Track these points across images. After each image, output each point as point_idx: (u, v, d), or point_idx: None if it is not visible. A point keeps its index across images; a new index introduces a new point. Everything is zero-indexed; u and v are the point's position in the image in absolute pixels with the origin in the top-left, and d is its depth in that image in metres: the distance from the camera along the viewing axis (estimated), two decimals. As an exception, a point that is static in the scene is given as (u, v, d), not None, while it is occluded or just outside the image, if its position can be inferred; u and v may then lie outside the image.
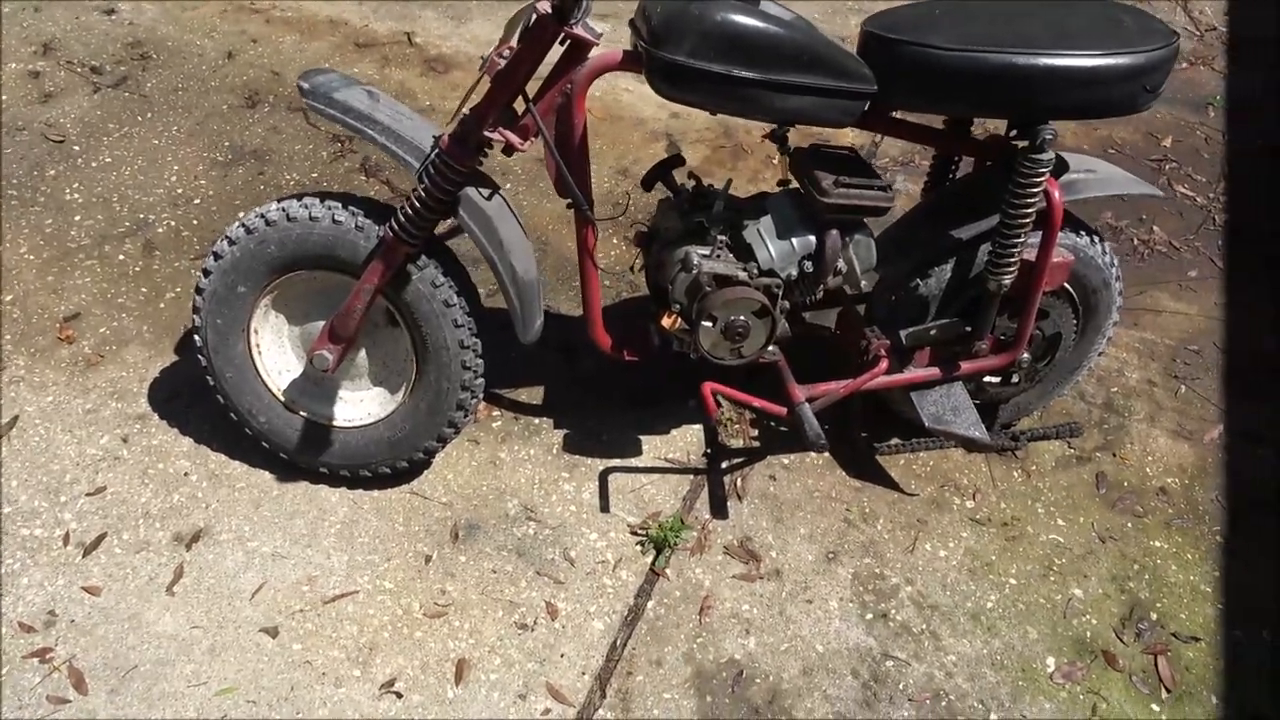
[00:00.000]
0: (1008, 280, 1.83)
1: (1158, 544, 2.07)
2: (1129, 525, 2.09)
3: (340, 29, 3.20)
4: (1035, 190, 1.73)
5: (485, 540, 1.91)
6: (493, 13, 3.39)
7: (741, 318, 1.80)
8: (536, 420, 2.13)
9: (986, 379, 2.08)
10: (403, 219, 1.65)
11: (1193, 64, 3.64)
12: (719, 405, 2.14)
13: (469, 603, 1.82)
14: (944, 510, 2.07)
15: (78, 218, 2.46)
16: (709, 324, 1.80)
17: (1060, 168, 1.87)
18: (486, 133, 1.60)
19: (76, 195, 2.53)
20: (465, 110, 1.66)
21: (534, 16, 1.52)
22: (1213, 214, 2.96)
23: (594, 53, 1.65)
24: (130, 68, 2.95)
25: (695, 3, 1.55)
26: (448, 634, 1.77)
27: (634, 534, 1.95)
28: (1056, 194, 1.77)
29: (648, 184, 1.96)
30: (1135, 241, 2.84)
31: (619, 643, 1.78)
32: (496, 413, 2.14)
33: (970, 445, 2.01)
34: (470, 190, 1.71)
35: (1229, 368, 2.49)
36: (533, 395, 2.19)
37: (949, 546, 2.01)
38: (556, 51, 1.65)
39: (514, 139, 1.63)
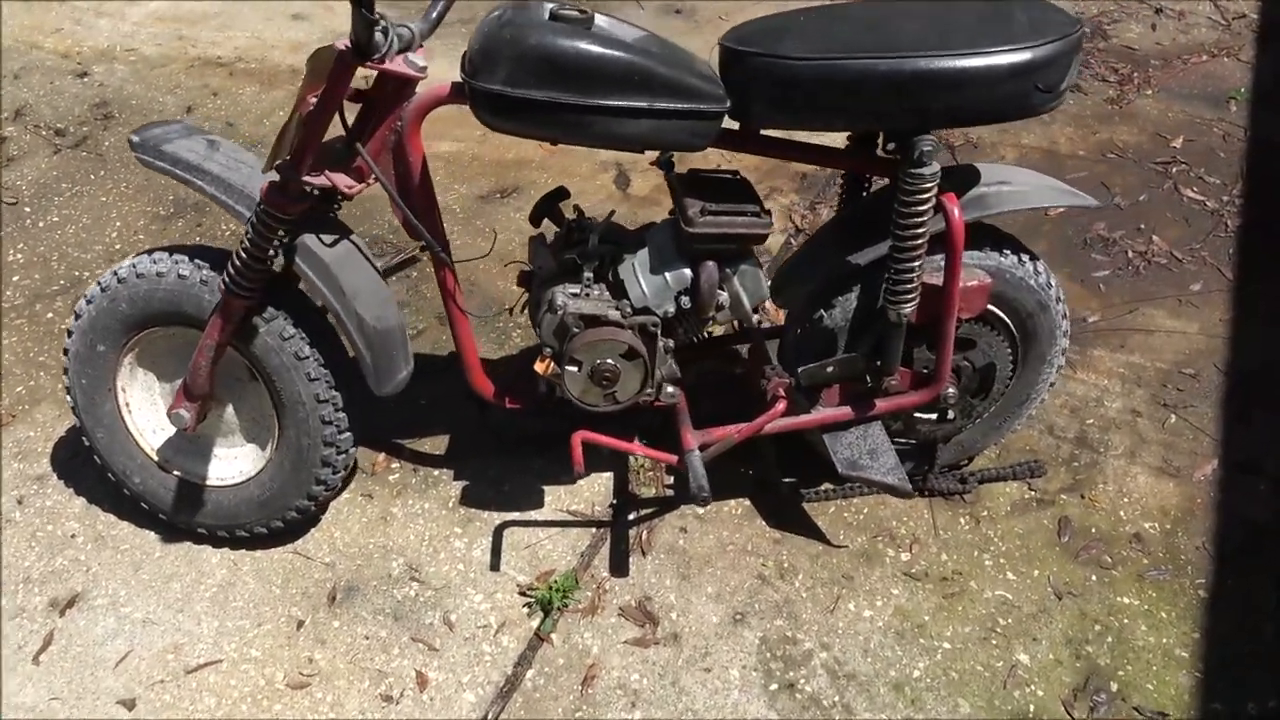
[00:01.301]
0: (907, 310, 1.63)
1: (1126, 600, 1.81)
2: (1092, 578, 1.84)
3: (300, 78, 3.20)
4: (921, 210, 1.53)
5: (363, 603, 1.80)
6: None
7: (609, 361, 1.65)
8: (437, 471, 2.02)
9: (918, 414, 1.87)
10: (232, 271, 1.57)
11: (1214, 55, 3.32)
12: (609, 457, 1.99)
13: (335, 672, 1.70)
14: (874, 564, 1.86)
15: (16, 277, 2.49)
16: (574, 369, 1.66)
17: (967, 180, 1.67)
18: (308, 178, 1.51)
19: (19, 255, 2.56)
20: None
21: (336, 53, 1.43)
22: (1225, 219, 2.66)
23: (422, 86, 1.55)
24: (93, 128, 2.99)
25: (510, 27, 1.43)
26: (308, 707, 1.65)
27: (522, 595, 1.80)
28: (955, 211, 1.57)
29: (534, 219, 1.84)
30: (1130, 254, 2.56)
31: (489, 717, 1.64)
32: (396, 464, 2.03)
33: (891, 493, 1.81)
34: (309, 238, 1.62)
35: (1230, 390, 2.20)
36: (437, 444, 2.07)
37: (876, 606, 1.80)
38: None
39: (340, 182, 1.53)
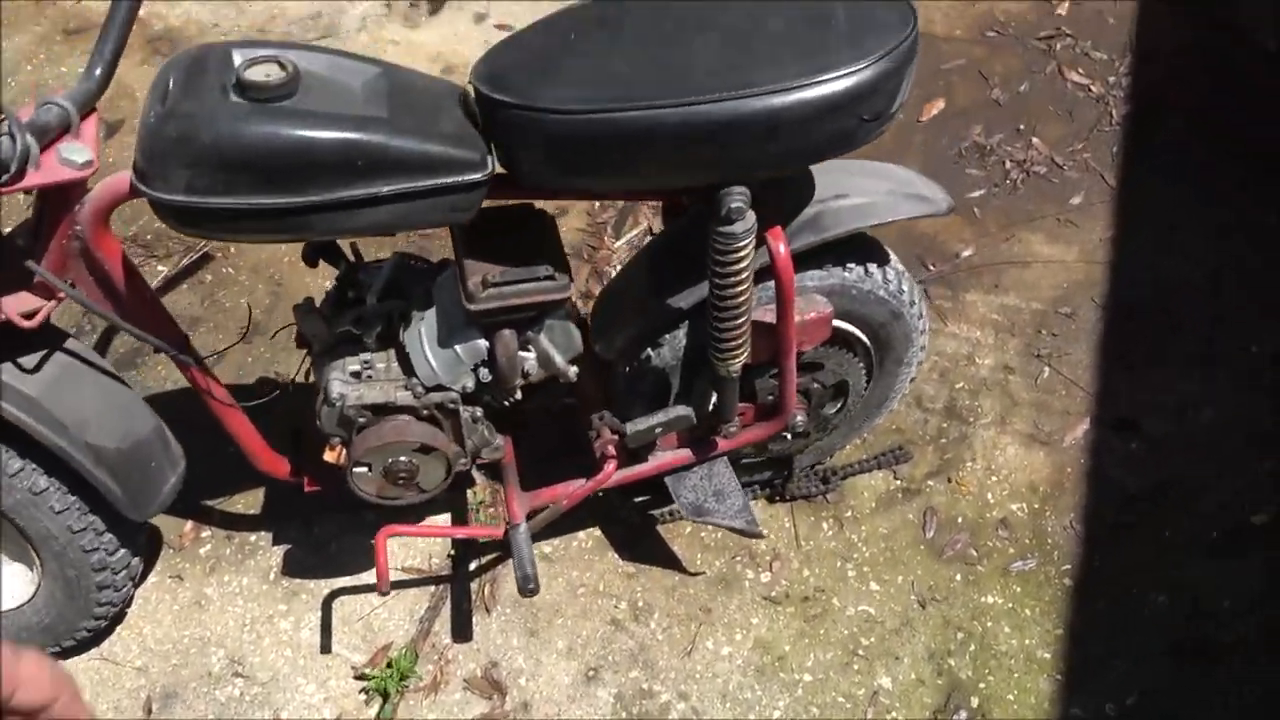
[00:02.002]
0: (736, 366, 1.42)
1: (990, 600, 1.74)
2: (957, 579, 1.77)
3: (48, 11, 2.66)
4: (737, 269, 1.29)
5: (183, 710, 1.65)
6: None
7: (403, 459, 1.44)
8: (254, 536, 1.82)
9: (769, 435, 1.70)
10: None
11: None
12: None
13: (161, 799, 1.59)
14: (734, 590, 1.76)
15: None
16: (364, 470, 1.44)
17: (798, 200, 1.41)
18: (-26, 310, 1.20)
19: None
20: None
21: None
22: (1110, 107, 2.42)
23: (99, 180, 1.21)
24: None
25: (177, 121, 1.09)
26: (135, 843, 1.55)
27: (359, 679, 1.67)
28: (781, 248, 1.33)
29: (308, 259, 1.54)
30: (1008, 164, 2.33)
31: (332, 829, 1.55)
32: (206, 532, 1.82)
33: (740, 534, 1.68)
34: (5, 370, 1.32)
35: (1107, 331, 2.07)
36: (252, 500, 1.86)
37: (735, 640, 1.71)
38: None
39: (12, 309, 1.22)
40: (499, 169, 1.25)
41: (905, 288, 1.56)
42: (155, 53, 2.56)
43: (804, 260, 1.45)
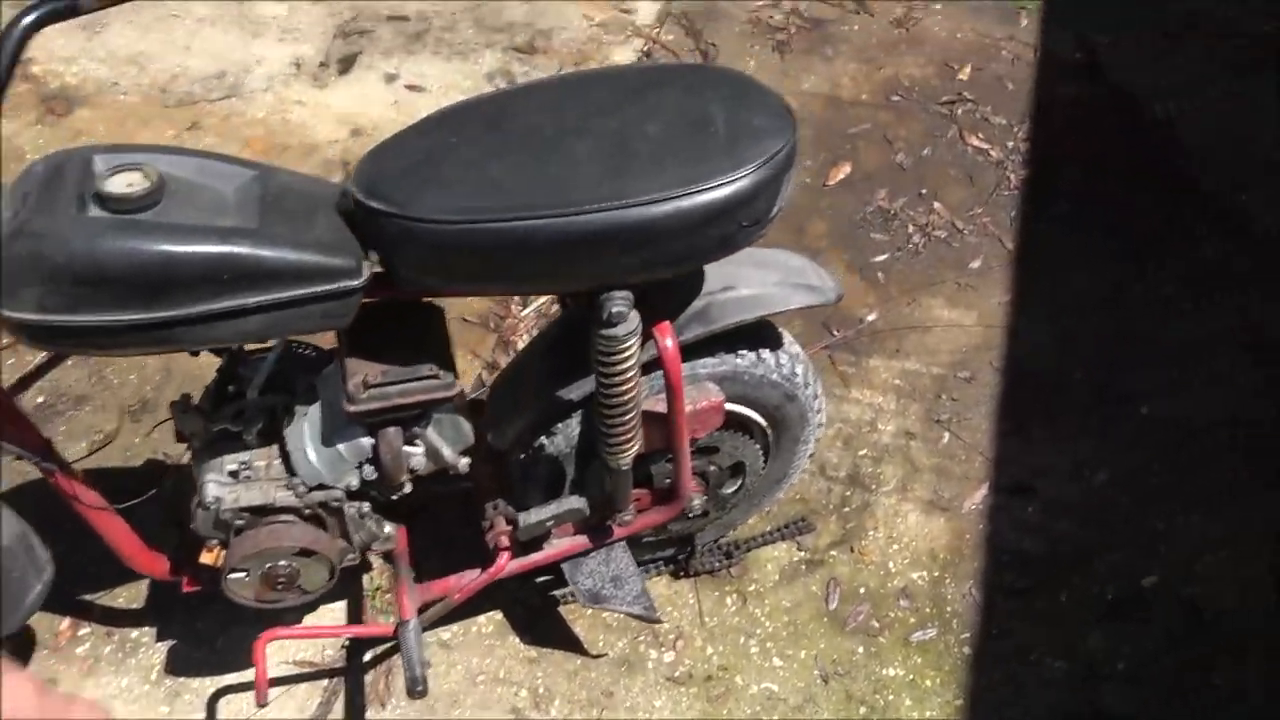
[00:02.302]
0: (625, 461, 1.42)
1: (891, 672, 1.76)
2: (860, 651, 1.78)
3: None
4: (621, 366, 1.29)
5: (61, 821, 1.57)
6: (138, 12, 2.74)
7: (282, 564, 1.40)
8: (135, 632, 1.74)
9: (669, 516, 1.70)
10: None
11: (1007, -49, 3.05)
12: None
13: None
14: (637, 672, 1.74)
15: None
16: (240, 575, 1.40)
17: (687, 293, 1.42)
18: None
19: None
20: None
21: None
22: (1008, 172, 2.50)
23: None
24: None
25: (26, 240, 1.05)
26: None
27: (248, 783, 1.62)
28: (668, 343, 1.34)
29: (191, 350, 1.50)
30: (911, 228, 2.39)
31: None
32: (85, 629, 1.74)
33: (639, 620, 1.67)
34: None
35: (1005, 395, 2.12)
36: (133, 595, 1.78)
37: (638, 724, 1.69)
38: None
39: None
40: (378, 268, 1.24)
41: (799, 370, 1.57)
42: (50, 112, 2.48)
43: (695, 349, 1.45)
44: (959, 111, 2.61)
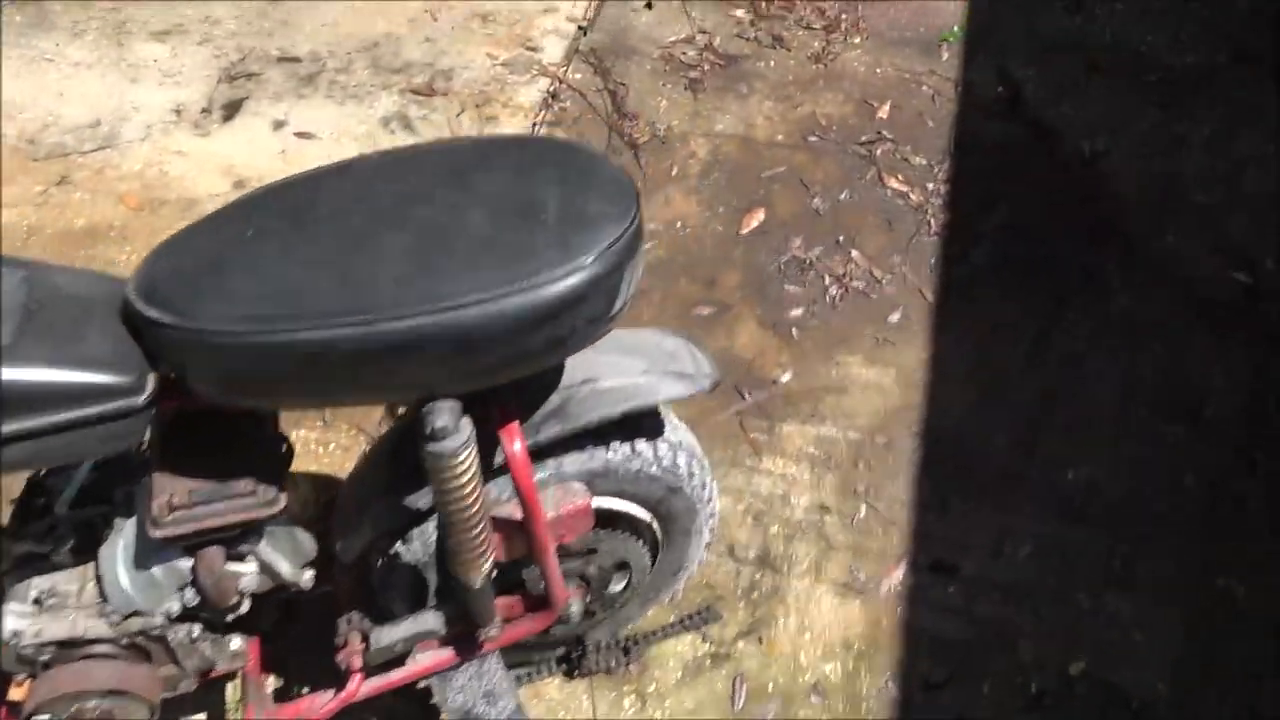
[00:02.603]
0: (479, 576, 1.27)
1: (801, 778, 1.63)
2: (767, 755, 1.64)
3: None
4: (454, 480, 1.14)
5: None
6: (6, 58, 2.53)
7: (91, 704, 1.23)
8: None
9: (551, 618, 1.55)
10: None
11: (930, -17, 2.96)
12: None
13: None
14: (522, 788, 1.59)
15: None
16: (45, 718, 1.23)
17: (543, 387, 1.28)
18: None
19: None
20: None
21: None
22: (928, 216, 2.39)
23: None
24: None
25: None
26: None
27: None
28: (517, 448, 1.19)
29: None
30: (827, 279, 2.26)
31: None
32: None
33: (516, 737, 1.52)
34: None
35: (925, 462, 2.00)
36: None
37: None
38: None
39: None
40: (171, 374, 1.08)
41: (681, 462, 1.43)
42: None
43: (560, 444, 1.31)
44: (878, 152, 2.50)
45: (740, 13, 2.80)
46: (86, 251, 2.19)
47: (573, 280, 1.02)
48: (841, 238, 2.33)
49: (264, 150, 2.40)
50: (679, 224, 2.34)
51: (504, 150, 1.18)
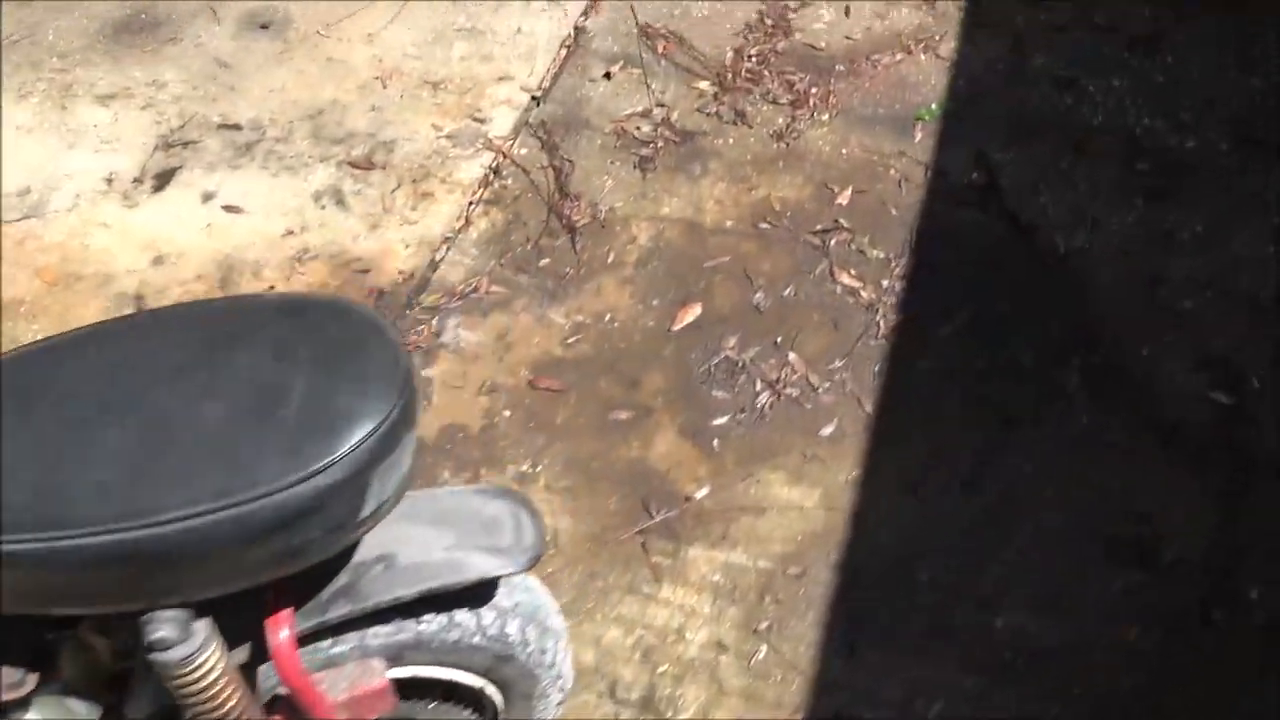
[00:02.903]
0: (247, 773, 1.16)
1: None
2: None
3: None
4: (194, 686, 1.02)
5: None
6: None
7: None
8: None
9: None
10: None
11: (910, 52, 2.78)
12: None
13: None
14: None
15: None
16: None
17: (309, 582, 1.15)
18: None
19: None
20: None
21: None
22: (879, 316, 2.22)
23: None
24: None
25: None
26: None
27: None
28: (282, 636, 1.07)
29: None
30: (759, 384, 2.11)
31: None
32: None
33: None
34: None
35: (838, 598, 1.83)
36: None
37: None
38: None
39: None
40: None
41: (513, 629, 1.29)
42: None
43: (359, 620, 1.20)
44: (832, 242, 2.34)
45: (705, 85, 2.67)
46: (-5, 328, 2.15)
47: (297, 493, 0.91)
48: (780, 338, 2.18)
49: (189, 224, 2.34)
50: (608, 316, 2.21)
51: (274, 316, 1.06)
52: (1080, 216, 2.40)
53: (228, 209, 2.36)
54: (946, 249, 2.34)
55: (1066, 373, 2.12)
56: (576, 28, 2.80)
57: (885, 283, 2.27)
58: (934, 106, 2.63)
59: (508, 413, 2.07)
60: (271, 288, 2.22)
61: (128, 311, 2.18)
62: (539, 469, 1.99)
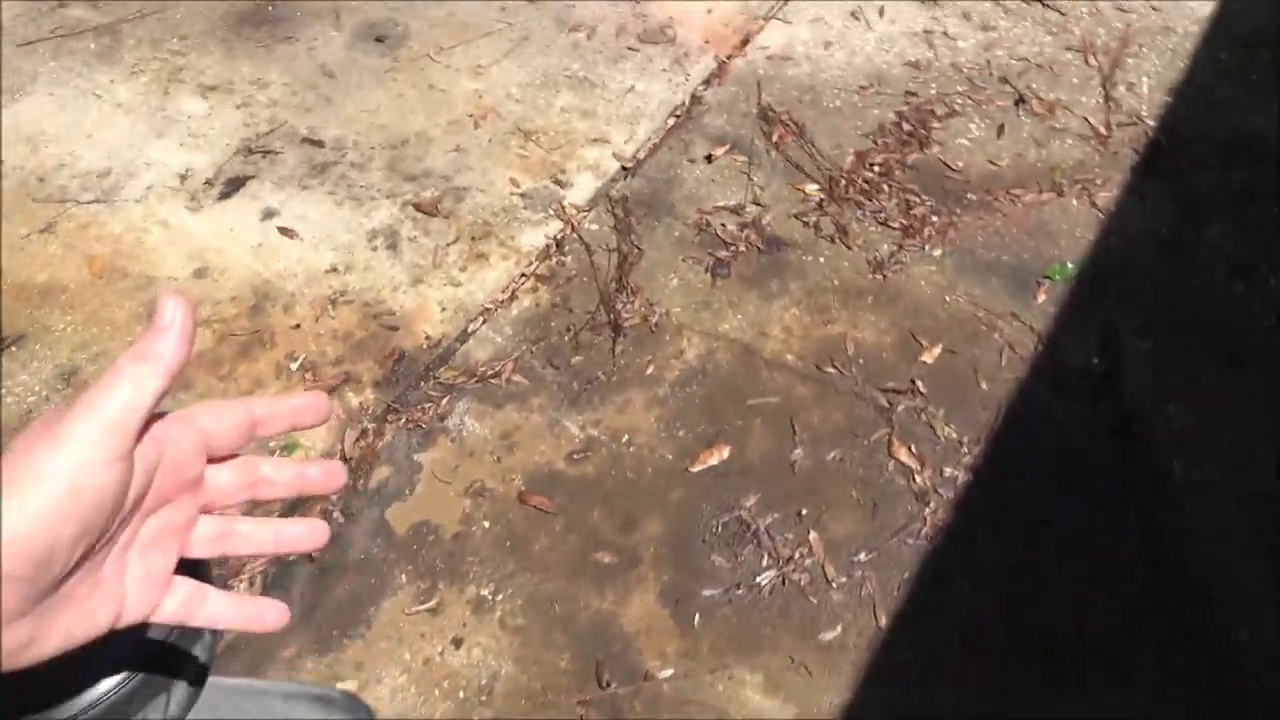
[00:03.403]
0: None
1: None
2: None
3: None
4: None
5: None
6: (62, 84, 2.56)
7: None
8: None
9: None
10: None
11: (1061, 193, 2.40)
12: None
13: None
14: None
15: None
16: None
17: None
18: None
19: None
20: None
21: None
22: (929, 510, 1.91)
23: None
24: None
25: None
26: None
27: None
28: None
29: None
30: (765, 560, 1.85)
31: None
32: None
33: None
34: None
35: None
36: None
37: None
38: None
39: None
40: None
41: None
42: None
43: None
44: (900, 407, 2.03)
45: (812, 188, 2.39)
46: (30, 312, 2.16)
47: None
48: (806, 510, 1.90)
49: (242, 240, 2.28)
50: (626, 438, 2.00)
51: None
52: (1213, 444, 2.00)
53: (283, 231, 2.29)
54: (1034, 445, 1.99)
55: (1137, 644, 1.76)
56: (693, 96, 2.58)
57: (948, 471, 1.96)
58: (1069, 265, 2.26)
59: (487, 524, 1.90)
60: (297, 326, 2.13)
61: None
62: (499, 598, 1.81)
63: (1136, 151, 2.48)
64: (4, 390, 2.04)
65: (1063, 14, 2.80)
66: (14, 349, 2.11)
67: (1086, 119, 2.55)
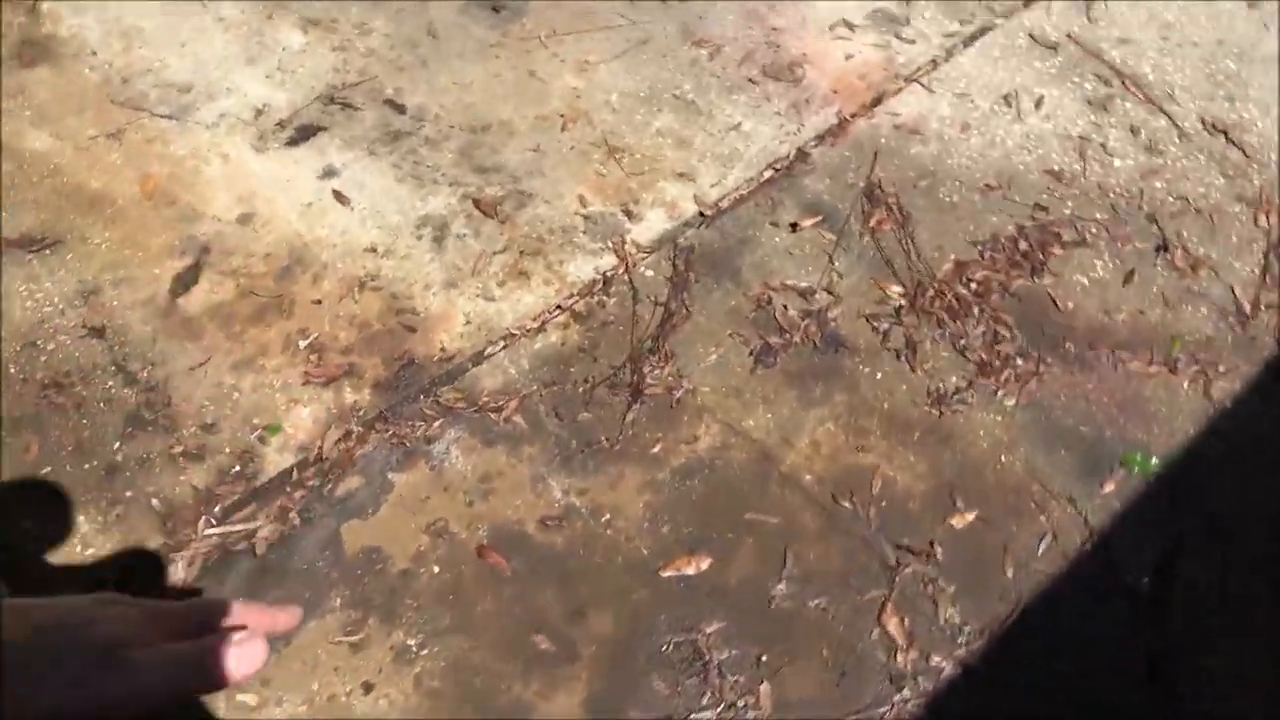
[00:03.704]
0: None
1: None
2: None
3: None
4: None
5: None
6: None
7: None
8: None
9: None
10: None
11: (1173, 370, 2.09)
12: None
13: None
14: None
15: None
16: None
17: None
18: None
19: None
20: None
21: None
22: (901, 698, 1.71)
23: None
24: None
25: None
26: None
27: None
28: None
29: None
30: (706, 698, 1.68)
31: None
32: None
33: None
34: None
35: None
36: None
37: None
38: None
39: None
40: None
41: None
42: (15, 58, 2.35)
43: None
44: (908, 570, 1.83)
45: (895, 290, 2.15)
46: (74, 218, 2.14)
47: None
48: (768, 656, 1.74)
49: (294, 195, 2.20)
50: (606, 517, 1.86)
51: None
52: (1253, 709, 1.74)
53: (336, 195, 2.20)
54: (1044, 663, 1.76)
55: None
56: (800, 151, 2.35)
57: (935, 659, 1.75)
58: (1154, 459, 1.98)
59: (437, 569, 1.80)
60: (318, 302, 2.06)
61: (185, 259, 2.10)
62: (424, 653, 1.72)
63: (1277, 339, 2.15)
64: (25, 292, 2.03)
65: (1246, 155, 2.43)
66: (47, 252, 2.10)
67: (1232, 288, 2.21)
